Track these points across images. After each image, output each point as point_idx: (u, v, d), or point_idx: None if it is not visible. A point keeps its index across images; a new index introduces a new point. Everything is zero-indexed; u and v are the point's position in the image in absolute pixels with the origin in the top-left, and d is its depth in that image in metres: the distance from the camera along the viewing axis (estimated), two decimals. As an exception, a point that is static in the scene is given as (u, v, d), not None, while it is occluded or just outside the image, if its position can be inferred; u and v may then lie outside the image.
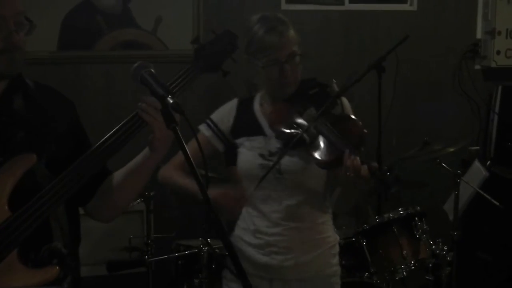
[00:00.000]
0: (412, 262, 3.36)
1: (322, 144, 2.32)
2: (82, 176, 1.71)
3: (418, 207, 3.51)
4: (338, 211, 2.74)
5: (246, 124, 2.46)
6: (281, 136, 2.37)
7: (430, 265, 3.44)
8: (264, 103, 2.48)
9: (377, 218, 3.47)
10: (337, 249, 2.59)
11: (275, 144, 2.40)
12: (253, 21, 2.37)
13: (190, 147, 1.63)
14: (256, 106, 2.49)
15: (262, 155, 2.40)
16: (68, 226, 1.83)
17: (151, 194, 3.57)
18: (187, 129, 1.66)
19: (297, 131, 2.32)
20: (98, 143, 1.74)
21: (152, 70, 1.70)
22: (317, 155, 2.31)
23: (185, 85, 1.84)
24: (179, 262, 3.38)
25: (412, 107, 4.56)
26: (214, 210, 1.64)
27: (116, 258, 3.68)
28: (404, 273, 3.33)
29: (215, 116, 2.56)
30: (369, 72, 3.87)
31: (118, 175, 1.91)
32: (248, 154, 2.42)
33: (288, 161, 2.37)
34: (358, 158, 2.17)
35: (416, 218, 3.46)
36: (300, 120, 2.36)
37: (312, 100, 2.39)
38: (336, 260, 2.57)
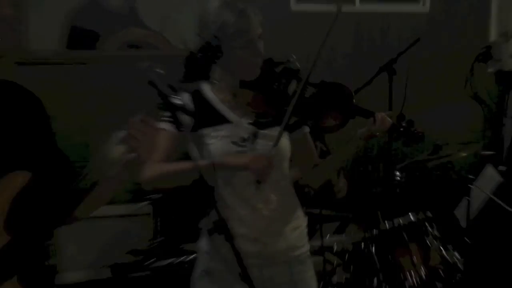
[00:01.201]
0: (422, 269, 3.33)
1: (322, 111, 2.39)
2: (78, 198, 1.67)
3: (429, 213, 3.47)
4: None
5: (207, 115, 2.43)
6: (265, 119, 2.38)
7: (441, 271, 3.41)
8: (217, 91, 2.46)
9: (386, 224, 3.44)
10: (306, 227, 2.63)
11: (245, 130, 2.39)
12: (216, 7, 2.37)
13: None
14: (210, 95, 2.46)
15: (234, 143, 2.38)
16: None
17: (158, 197, 3.55)
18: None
19: (286, 107, 2.33)
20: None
21: (160, 71, 1.71)
22: (323, 121, 2.36)
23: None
24: (185, 266, 3.36)
25: (423, 110, 4.50)
26: (220, 214, 1.66)
27: (121, 261, 3.65)
28: (414, 280, 3.30)
29: None
30: (380, 74, 3.86)
31: None
32: (219, 143, 2.39)
33: (264, 145, 2.36)
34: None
35: (426, 224, 3.43)
36: (284, 98, 2.37)
37: (283, 76, 2.42)
38: (307, 237, 2.61)
